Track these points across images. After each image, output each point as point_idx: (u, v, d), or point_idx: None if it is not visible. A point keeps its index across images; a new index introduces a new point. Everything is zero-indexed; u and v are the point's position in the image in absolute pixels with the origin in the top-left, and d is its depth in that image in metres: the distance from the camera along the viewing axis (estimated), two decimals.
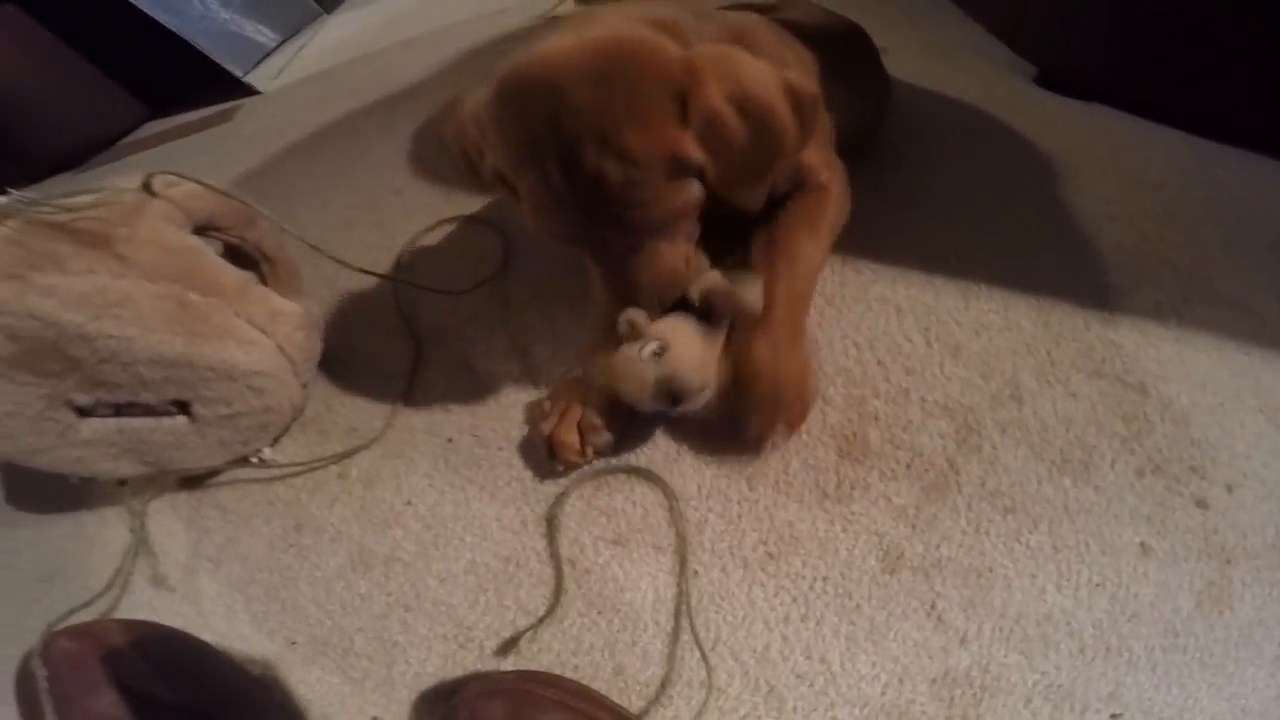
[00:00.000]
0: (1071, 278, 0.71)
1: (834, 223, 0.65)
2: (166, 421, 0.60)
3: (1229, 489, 0.58)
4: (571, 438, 0.58)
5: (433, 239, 0.81)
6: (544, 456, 0.59)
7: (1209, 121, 0.87)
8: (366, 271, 0.65)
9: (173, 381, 0.58)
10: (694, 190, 0.50)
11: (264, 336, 0.62)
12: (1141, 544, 0.55)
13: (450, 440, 0.64)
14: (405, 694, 0.51)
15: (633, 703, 0.50)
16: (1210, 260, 0.74)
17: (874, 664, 0.49)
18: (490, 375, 0.67)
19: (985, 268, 0.72)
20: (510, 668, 0.51)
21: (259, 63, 1.34)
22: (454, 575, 0.56)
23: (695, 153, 0.47)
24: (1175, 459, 0.59)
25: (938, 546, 0.54)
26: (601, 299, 0.57)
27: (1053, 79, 0.94)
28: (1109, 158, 0.85)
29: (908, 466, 0.58)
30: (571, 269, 0.76)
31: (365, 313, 0.75)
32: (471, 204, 0.84)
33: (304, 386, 0.66)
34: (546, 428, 0.59)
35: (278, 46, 1.40)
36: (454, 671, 0.52)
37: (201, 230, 0.62)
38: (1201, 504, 0.57)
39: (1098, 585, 0.52)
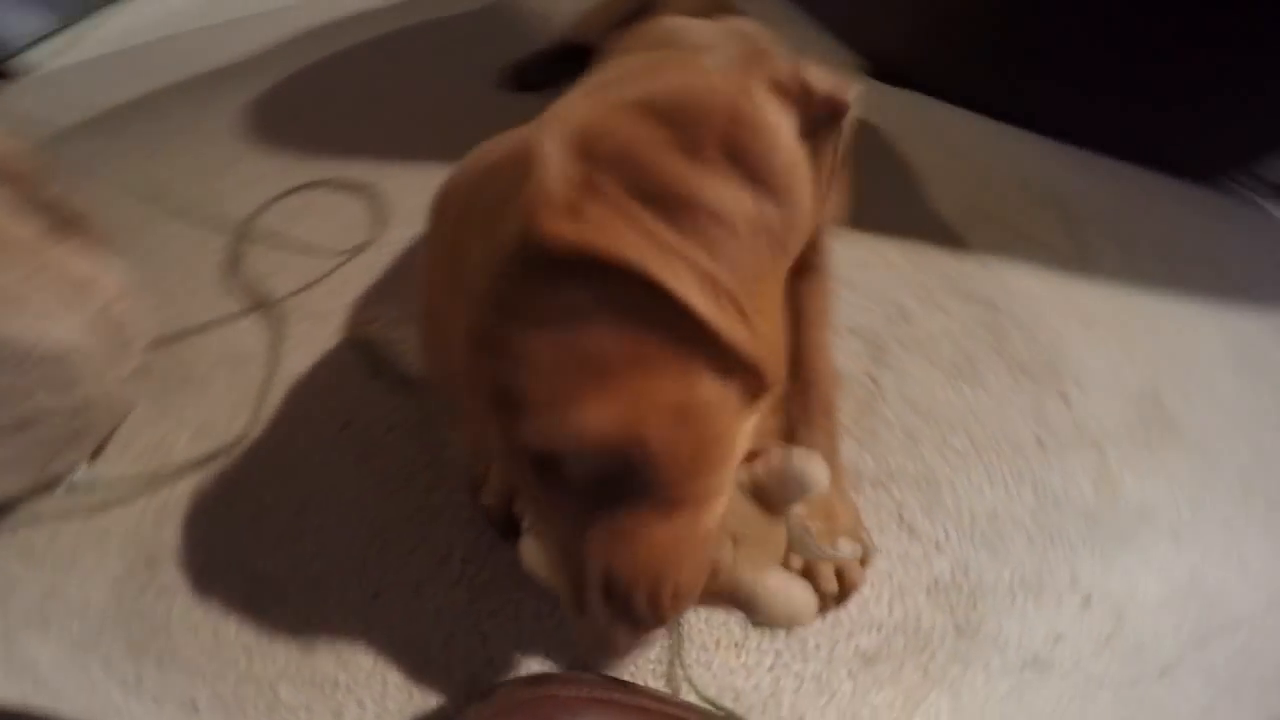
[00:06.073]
0: (924, 225, 0.75)
1: None
2: None
3: (1078, 383, 0.62)
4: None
5: (287, 206, 0.64)
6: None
7: (1006, 109, 0.99)
8: (207, 227, 0.48)
9: None
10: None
11: (67, 308, 0.43)
12: (1036, 438, 0.56)
13: (346, 425, 0.49)
14: None
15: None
16: (1016, 210, 0.83)
17: (872, 584, 0.44)
18: (387, 344, 0.53)
19: (855, 221, 0.73)
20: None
21: (25, 48, 1.03)
22: (390, 586, 0.42)
23: None
24: (1034, 360, 0.62)
25: (886, 459, 0.51)
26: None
27: (882, 72, 1.01)
28: (933, 133, 0.93)
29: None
30: None
31: (203, 288, 0.56)
32: (334, 167, 0.68)
33: (128, 378, 0.48)
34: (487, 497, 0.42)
35: (53, 33, 1.10)
36: (424, 704, 0.38)
37: None
38: (1064, 397, 0.60)
39: (1019, 479, 0.52)
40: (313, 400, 0.51)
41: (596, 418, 0.24)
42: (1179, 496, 0.55)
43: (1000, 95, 0.99)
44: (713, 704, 0.38)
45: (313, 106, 0.79)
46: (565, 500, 0.27)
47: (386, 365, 0.52)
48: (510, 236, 0.24)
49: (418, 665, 0.39)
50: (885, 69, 1.02)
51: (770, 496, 0.32)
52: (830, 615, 0.43)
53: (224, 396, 0.51)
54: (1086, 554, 0.49)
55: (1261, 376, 0.72)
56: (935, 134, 0.93)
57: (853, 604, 0.43)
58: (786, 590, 0.32)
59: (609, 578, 0.27)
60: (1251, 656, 0.46)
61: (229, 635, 0.40)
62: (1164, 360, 0.69)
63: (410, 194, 0.67)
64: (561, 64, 0.84)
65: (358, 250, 0.60)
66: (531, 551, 0.34)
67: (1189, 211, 1.03)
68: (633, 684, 0.37)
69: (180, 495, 0.46)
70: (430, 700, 0.38)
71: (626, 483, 0.25)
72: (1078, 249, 0.80)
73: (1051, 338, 0.66)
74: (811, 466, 0.31)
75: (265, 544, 0.43)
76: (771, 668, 0.41)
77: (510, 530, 0.42)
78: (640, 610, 0.27)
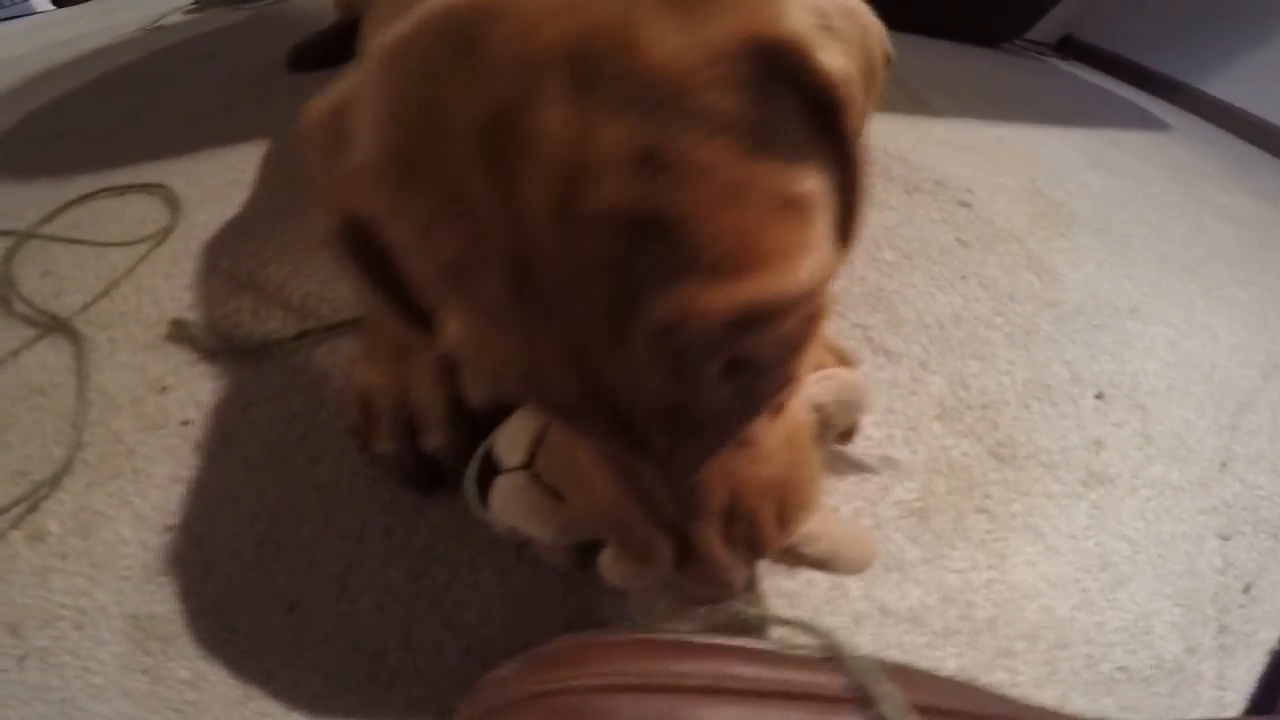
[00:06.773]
0: None
1: None
2: None
3: (970, 190, 0.62)
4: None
5: (60, 225, 0.50)
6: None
7: None
8: None
9: None
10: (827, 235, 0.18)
11: None
12: (957, 239, 0.55)
13: (187, 423, 0.37)
14: None
15: None
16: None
17: (879, 424, 0.38)
18: (214, 323, 0.42)
19: None
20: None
21: None
22: (307, 589, 0.31)
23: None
24: (922, 179, 0.63)
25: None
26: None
27: None
28: None
29: None
30: (275, 191, 0.54)
31: None
32: (113, 175, 0.54)
33: None
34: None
35: None
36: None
37: None
38: (963, 203, 0.60)
39: (963, 278, 0.50)
40: (140, 405, 0.38)
41: (805, 271, 0.16)
42: (1114, 273, 0.55)
43: None
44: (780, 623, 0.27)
45: (68, 135, 0.65)
46: (679, 413, 0.18)
47: (225, 342, 0.41)
48: (735, 37, 0.15)
49: (378, 675, 0.28)
50: None
51: (828, 423, 0.28)
52: (855, 473, 0.36)
53: (33, 432, 0.37)
54: (1069, 344, 0.46)
55: (1116, 172, 0.77)
56: None
57: (871, 450, 0.37)
58: (837, 533, 0.26)
59: (736, 502, 0.20)
60: None
61: (142, 695, 0.28)
62: (1032, 167, 0.71)
63: (202, 178, 0.56)
64: (338, 42, 0.77)
65: (158, 241, 0.48)
66: (514, 496, 0.26)
67: (991, 67, 1.12)
68: (672, 640, 0.23)
69: (15, 549, 0.32)
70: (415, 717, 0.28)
71: (754, 371, 0.18)
72: (917, 102, 0.83)
73: (928, 162, 0.66)
74: (868, 388, 0.29)
75: (137, 580, 0.31)
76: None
77: (427, 478, 0.33)
78: (768, 533, 0.21)
